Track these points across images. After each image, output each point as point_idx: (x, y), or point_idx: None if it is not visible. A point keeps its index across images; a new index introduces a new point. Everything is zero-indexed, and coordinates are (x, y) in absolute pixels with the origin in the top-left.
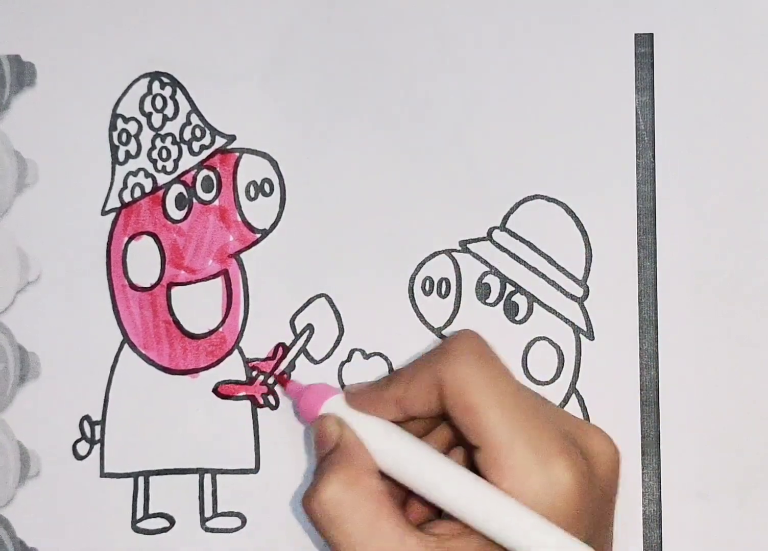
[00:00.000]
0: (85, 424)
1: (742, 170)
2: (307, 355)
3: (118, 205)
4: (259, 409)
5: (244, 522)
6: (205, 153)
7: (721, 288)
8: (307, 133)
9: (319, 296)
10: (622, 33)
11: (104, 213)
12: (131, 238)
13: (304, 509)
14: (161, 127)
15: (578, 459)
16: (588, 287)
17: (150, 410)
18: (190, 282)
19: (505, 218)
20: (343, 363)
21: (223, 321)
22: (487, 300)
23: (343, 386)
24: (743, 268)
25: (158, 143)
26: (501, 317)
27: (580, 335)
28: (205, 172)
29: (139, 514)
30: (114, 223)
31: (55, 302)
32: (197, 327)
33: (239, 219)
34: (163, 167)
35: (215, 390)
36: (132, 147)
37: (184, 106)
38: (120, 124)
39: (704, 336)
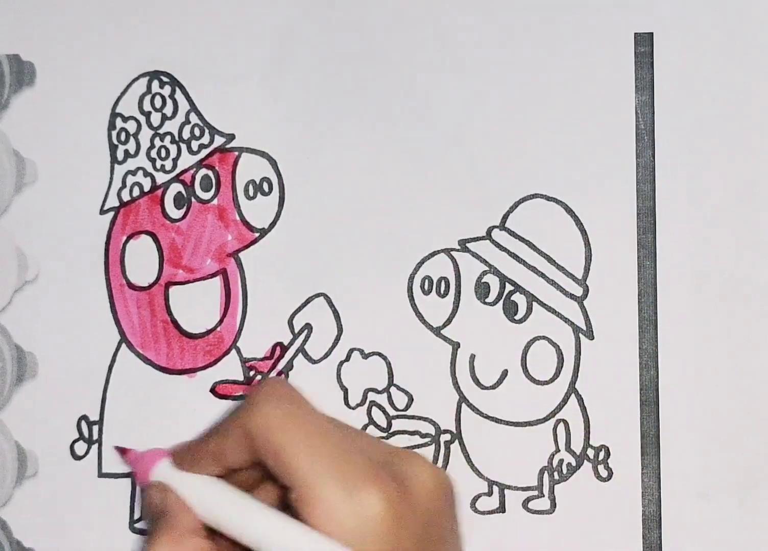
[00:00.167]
0: (83, 424)
1: (741, 169)
2: (306, 355)
3: (117, 204)
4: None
5: None
6: (204, 152)
7: (721, 288)
8: (306, 132)
9: (317, 295)
10: (622, 32)
11: (103, 212)
12: (130, 237)
13: None
14: (160, 126)
15: (389, 486)
16: (587, 286)
17: (147, 410)
18: (188, 282)
19: (505, 217)
20: (341, 363)
21: (221, 321)
22: (487, 300)
23: (342, 386)
24: (743, 268)
25: (157, 142)
26: (500, 316)
27: (580, 334)
28: (204, 171)
29: (137, 514)
30: (112, 222)
31: (52, 301)
32: (195, 327)
33: (238, 218)
34: (162, 166)
35: (213, 390)
36: (131, 146)
37: (183, 105)
38: (119, 123)
39: (704, 336)
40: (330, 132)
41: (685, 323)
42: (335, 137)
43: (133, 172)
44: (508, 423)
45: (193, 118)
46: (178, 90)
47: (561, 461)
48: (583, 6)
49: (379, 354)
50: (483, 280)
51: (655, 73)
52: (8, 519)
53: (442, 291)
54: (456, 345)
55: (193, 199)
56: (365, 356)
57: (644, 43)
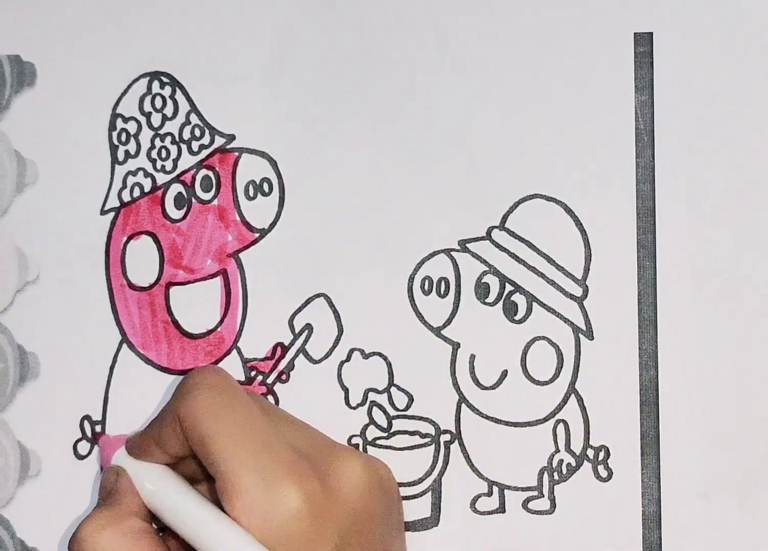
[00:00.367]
0: (86, 424)
1: (742, 169)
2: (306, 355)
3: (118, 204)
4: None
5: None
6: (205, 152)
7: (721, 288)
8: (306, 132)
9: (318, 296)
10: (622, 32)
11: (103, 212)
12: (130, 238)
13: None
14: (160, 127)
15: (310, 481)
16: (587, 286)
17: (149, 410)
18: (188, 282)
19: (504, 217)
20: (342, 363)
21: (221, 321)
22: (486, 300)
23: (343, 386)
24: (743, 268)
25: (157, 143)
26: (500, 317)
27: (580, 335)
28: (204, 172)
29: None
30: (113, 222)
31: (54, 302)
32: (196, 327)
33: (238, 218)
34: (163, 167)
35: None
36: (131, 146)
37: (184, 106)
38: (119, 123)
39: (704, 336)
40: (330, 132)
41: (685, 323)
42: (335, 137)
43: (134, 173)
44: (507, 423)
45: (194, 119)
46: (178, 90)
47: (561, 461)
48: (582, 6)
49: (380, 355)
50: (483, 280)
51: (655, 73)
52: (11, 518)
53: (442, 292)
54: (456, 346)
55: (193, 200)
56: (366, 356)
57: (644, 43)
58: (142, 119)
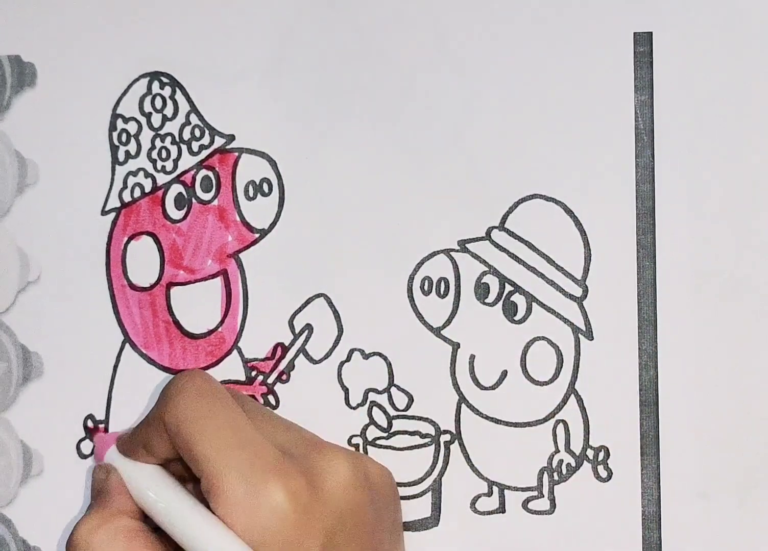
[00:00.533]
0: (89, 423)
1: (741, 169)
2: (306, 355)
3: (118, 204)
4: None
5: None
6: (205, 153)
7: (721, 288)
8: (306, 132)
9: (317, 296)
10: (621, 31)
11: (104, 213)
12: (131, 238)
13: None
14: (161, 127)
15: (295, 480)
16: (587, 287)
17: None
18: (189, 282)
19: (504, 218)
20: (342, 363)
21: (222, 321)
22: (486, 300)
23: (343, 386)
24: (743, 268)
25: (158, 143)
26: (500, 317)
27: (579, 335)
28: (204, 172)
29: None
30: (114, 222)
31: (56, 302)
32: (196, 327)
33: (238, 219)
34: (163, 167)
35: None
36: (132, 147)
37: (184, 106)
38: (120, 124)
39: (704, 336)
40: (330, 132)
41: (685, 323)
42: (335, 137)
43: (134, 173)
44: (507, 423)
45: (194, 119)
46: (178, 91)
47: (561, 461)
48: (582, 5)
49: (380, 355)
50: (482, 281)
51: (655, 73)
52: (14, 517)
53: (441, 292)
54: (456, 346)
55: (193, 200)
56: (366, 356)
57: (643, 43)
58: (143, 119)
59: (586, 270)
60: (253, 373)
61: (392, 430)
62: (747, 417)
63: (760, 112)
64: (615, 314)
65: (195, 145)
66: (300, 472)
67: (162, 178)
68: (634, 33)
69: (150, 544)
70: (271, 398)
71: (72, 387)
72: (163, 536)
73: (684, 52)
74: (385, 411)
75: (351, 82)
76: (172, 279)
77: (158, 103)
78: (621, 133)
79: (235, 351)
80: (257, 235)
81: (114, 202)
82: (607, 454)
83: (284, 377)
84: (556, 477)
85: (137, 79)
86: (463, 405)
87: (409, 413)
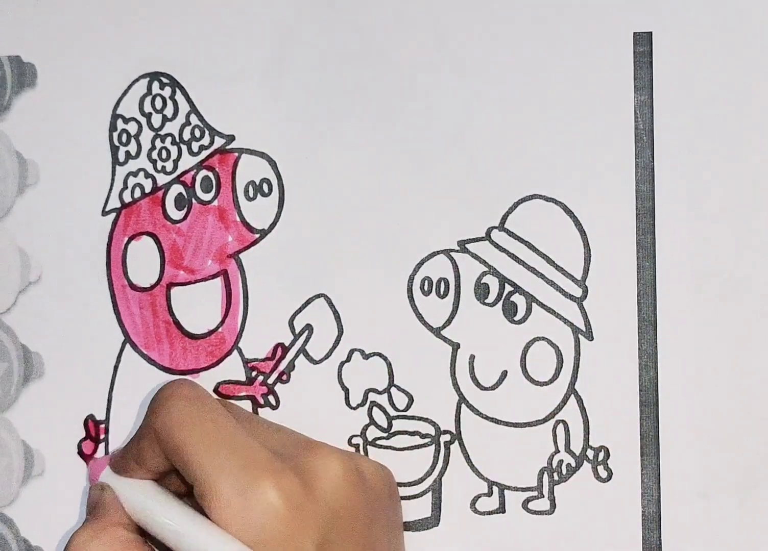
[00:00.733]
0: (90, 423)
1: (741, 169)
2: (307, 355)
3: (119, 205)
4: (259, 409)
5: None
6: (205, 153)
7: (721, 288)
8: (306, 133)
9: (318, 296)
10: (621, 31)
11: (104, 213)
12: (131, 238)
13: None
14: (161, 128)
15: (288, 479)
16: (587, 287)
17: None
18: (189, 283)
19: (504, 218)
20: (342, 364)
21: (222, 322)
22: (486, 301)
23: (343, 387)
24: (743, 268)
25: (158, 143)
26: (500, 317)
27: (579, 335)
28: (204, 172)
29: None
30: (114, 223)
31: (56, 302)
32: (197, 328)
33: (238, 219)
34: (163, 167)
35: (216, 391)
36: (132, 147)
37: (184, 107)
38: (120, 124)
39: (704, 336)
40: (330, 132)
41: (685, 323)
42: (335, 137)
43: (135, 174)
44: (507, 423)
45: (194, 120)
46: (178, 91)
47: (561, 462)
48: (582, 6)
49: (380, 355)
50: (482, 281)
51: (654, 73)
52: (15, 517)
53: (441, 292)
54: (456, 346)
55: (193, 200)
56: (366, 357)
57: (643, 43)
58: (143, 120)
59: (586, 270)
60: (254, 373)
61: (392, 430)
62: (747, 417)
63: (760, 112)
64: (615, 314)
65: (195, 146)
66: (292, 471)
67: (162, 179)
68: (634, 33)
69: None
70: (271, 398)
71: (73, 388)
72: (159, 547)
73: (684, 52)
74: (385, 412)
75: (351, 82)
76: (173, 280)
77: (158, 103)
78: (621, 133)
79: (235, 352)
80: (257, 236)
81: (114, 203)
82: (607, 454)
83: (284, 377)
84: (556, 478)
85: (137, 80)
86: (463, 406)
87: (409, 413)
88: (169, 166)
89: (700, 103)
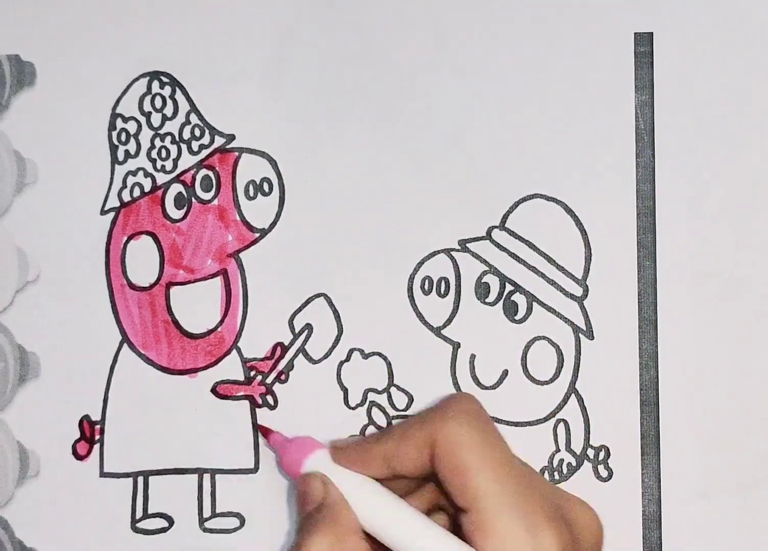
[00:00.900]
0: (85, 424)
1: (741, 169)
2: (306, 355)
3: (118, 204)
4: (257, 409)
5: (242, 522)
6: (205, 152)
7: (721, 288)
8: (306, 132)
9: (317, 296)
10: (622, 32)
11: (103, 212)
12: (130, 238)
13: None
14: (160, 127)
15: (564, 531)
16: (587, 286)
17: (149, 410)
18: (188, 282)
19: (505, 217)
20: (341, 363)
21: (221, 321)
22: (487, 300)
23: (343, 386)
24: (743, 268)
25: (157, 142)
26: (500, 316)
27: (580, 334)
28: (204, 172)
29: (139, 514)
30: (113, 222)
31: (54, 302)
32: (196, 327)
33: (238, 218)
34: (163, 166)
35: (214, 390)
36: (131, 146)
37: (184, 106)
38: (119, 123)
39: (704, 336)
40: (330, 132)
41: (685, 323)
42: (335, 137)
43: (134, 173)
44: (508, 423)
45: (194, 119)
46: (178, 90)
47: (561, 461)
48: (582, 6)
49: (379, 355)
50: (483, 280)
51: (655, 73)
52: (10, 518)
53: (442, 292)
54: (456, 345)
55: (193, 200)
56: (365, 356)
57: (644, 43)
58: (142, 119)
59: (587, 270)
60: (252, 373)
61: None
62: (747, 417)
63: (760, 112)
64: (615, 314)
65: (195, 145)
66: (567, 524)
67: (162, 178)
68: (635, 33)
69: None
70: (269, 398)
71: (69, 388)
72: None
73: (684, 52)
74: (384, 411)
75: (351, 82)
76: (172, 279)
77: (158, 102)
78: (621, 132)
79: (234, 351)
80: (257, 235)
81: (113, 202)
82: (608, 454)
83: (283, 377)
84: (556, 477)
85: (137, 79)
86: None
87: (409, 413)
88: (168, 165)
89: (701, 103)
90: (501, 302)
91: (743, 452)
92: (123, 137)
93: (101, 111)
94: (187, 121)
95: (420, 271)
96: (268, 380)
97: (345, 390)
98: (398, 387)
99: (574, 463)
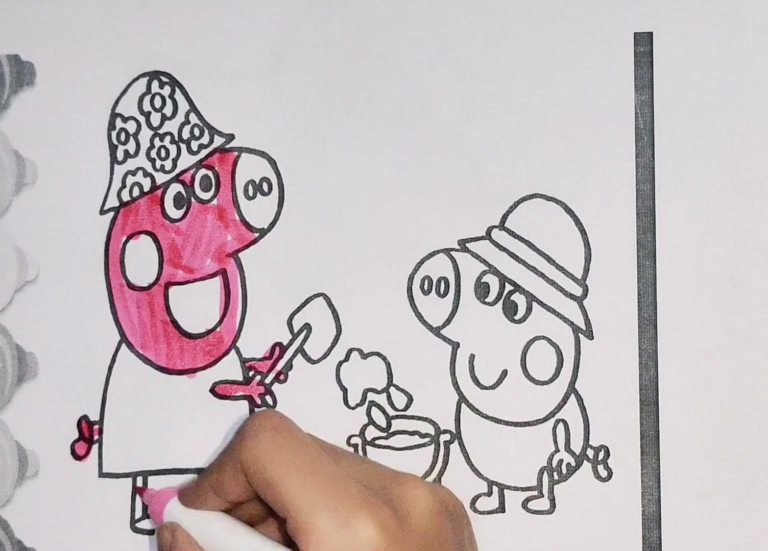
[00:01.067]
0: (84, 424)
1: (741, 169)
2: (305, 355)
3: (117, 204)
4: (256, 409)
5: None
6: (204, 152)
7: (721, 288)
8: (305, 132)
9: (317, 295)
10: (622, 31)
11: (103, 212)
12: (129, 238)
13: None
14: (160, 126)
15: (383, 512)
16: (587, 286)
17: (148, 410)
18: (188, 282)
19: (504, 217)
20: (340, 363)
21: (220, 321)
22: (486, 300)
23: (342, 386)
24: (743, 268)
25: (157, 142)
26: (500, 316)
27: (580, 334)
28: (203, 171)
29: (138, 514)
30: (112, 222)
31: (53, 302)
32: (195, 327)
33: (237, 218)
34: (162, 166)
35: (212, 390)
36: (131, 146)
37: (183, 106)
38: (119, 123)
39: (704, 335)
40: (330, 132)
41: (685, 323)
42: (335, 137)
43: (133, 172)
44: (507, 423)
45: (193, 118)
46: (177, 90)
47: (560, 461)
48: (582, 5)
49: (379, 355)
50: (483, 280)
51: (655, 73)
52: (9, 518)
53: (441, 291)
54: (455, 345)
55: (192, 199)
56: (364, 356)
57: (644, 43)
58: (142, 119)
59: (586, 269)
60: (251, 373)
61: (391, 430)
62: (747, 417)
63: (760, 112)
64: (615, 314)
65: (194, 145)
66: (385, 504)
67: (161, 177)
68: (635, 33)
69: None
70: (268, 398)
71: (67, 388)
72: None
73: (684, 52)
74: (384, 411)
75: (351, 82)
76: (171, 279)
77: (157, 102)
78: (621, 132)
79: (233, 351)
80: (257, 235)
81: (113, 202)
82: (607, 454)
83: (282, 377)
84: (556, 477)
85: (136, 79)
86: (463, 405)
87: (408, 413)
88: (168, 164)
89: (701, 103)
90: (500, 302)
91: (743, 452)
92: (122, 137)
93: (101, 111)
94: (187, 121)
95: (419, 270)
96: (267, 380)
97: (344, 390)
98: (397, 387)
99: (573, 463)
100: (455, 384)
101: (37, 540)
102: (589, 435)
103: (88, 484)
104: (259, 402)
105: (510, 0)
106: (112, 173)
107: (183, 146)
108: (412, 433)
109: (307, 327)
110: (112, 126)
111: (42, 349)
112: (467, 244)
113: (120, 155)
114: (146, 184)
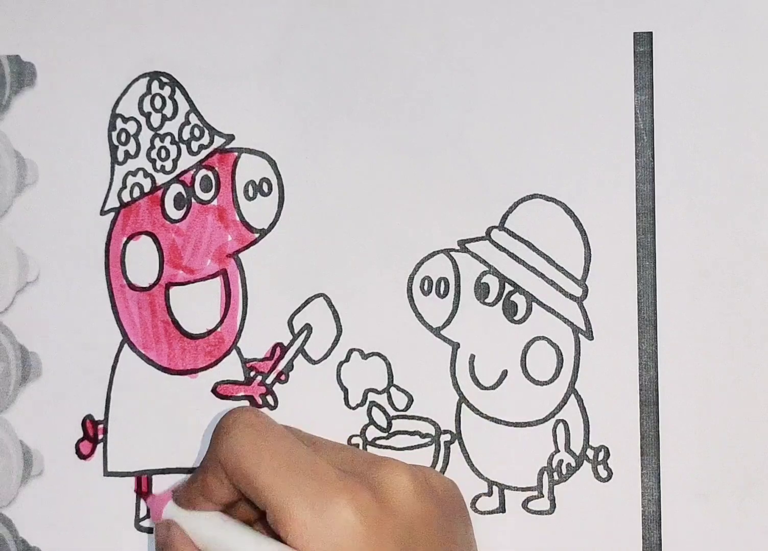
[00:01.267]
0: (88, 423)
1: (741, 169)
2: (305, 355)
3: (117, 204)
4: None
5: None
6: (204, 152)
7: (721, 288)
8: (305, 132)
9: (317, 296)
10: (622, 31)
11: (103, 213)
12: (130, 238)
13: None
14: (160, 127)
15: (361, 496)
16: (587, 287)
17: (152, 410)
18: (188, 282)
19: (504, 217)
20: (341, 363)
21: (221, 322)
22: (486, 300)
23: (342, 387)
24: (743, 268)
25: (157, 143)
26: (500, 317)
27: (579, 335)
28: (203, 172)
29: (143, 513)
30: (113, 222)
31: (54, 302)
32: (195, 328)
33: (238, 218)
34: (162, 167)
35: (214, 391)
36: (131, 147)
37: (183, 106)
38: (119, 123)
39: (704, 336)
40: (330, 132)
41: (685, 323)
42: (335, 137)
43: (134, 173)
44: (507, 423)
45: (193, 119)
46: (177, 90)
47: (561, 461)
48: (582, 5)
49: (379, 355)
50: (482, 281)
51: (655, 73)
52: (14, 517)
53: (441, 292)
54: (456, 346)
55: (193, 200)
56: (365, 356)
57: (644, 43)
58: (142, 119)
59: (586, 270)
60: (252, 373)
61: (392, 430)
62: (747, 417)
63: (760, 112)
64: (615, 314)
65: (194, 145)
66: (364, 487)
67: (161, 178)
68: (634, 33)
69: None
70: (269, 398)
71: (70, 388)
72: None
73: (684, 52)
74: (384, 412)
75: (351, 82)
76: (172, 279)
77: (158, 102)
78: (621, 132)
79: (234, 352)
80: (257, 235)
81: (113, 202)
82: (607, 454)
83: (283, 377)
84: (556, 477)
85: (137, 79)
86: (463, 405)
87: (408, 413)
88: (168, 165)
89: (700, 103)
90: (500, 302)
91: (743, 452)
92: (123, 137)
93: (101, 111)
94: (187, 122)
95: (419, 271)
96: (268, 380)
97: (345, 391)
98: (398, 388)
99: (573, 464)
100: (455, 384)
101: (41, 539)
102: (589, 436)
103: (93, 483)
104: (260, 402)
105: (510, 0)
106: (112, 174)
107: (183, 147)
108: (412, 433)
109: (308, 327)
110: (112, 126)
111: (45, 349)
112: (467, 245)
113: (120, 156)
114: (146, 185)
